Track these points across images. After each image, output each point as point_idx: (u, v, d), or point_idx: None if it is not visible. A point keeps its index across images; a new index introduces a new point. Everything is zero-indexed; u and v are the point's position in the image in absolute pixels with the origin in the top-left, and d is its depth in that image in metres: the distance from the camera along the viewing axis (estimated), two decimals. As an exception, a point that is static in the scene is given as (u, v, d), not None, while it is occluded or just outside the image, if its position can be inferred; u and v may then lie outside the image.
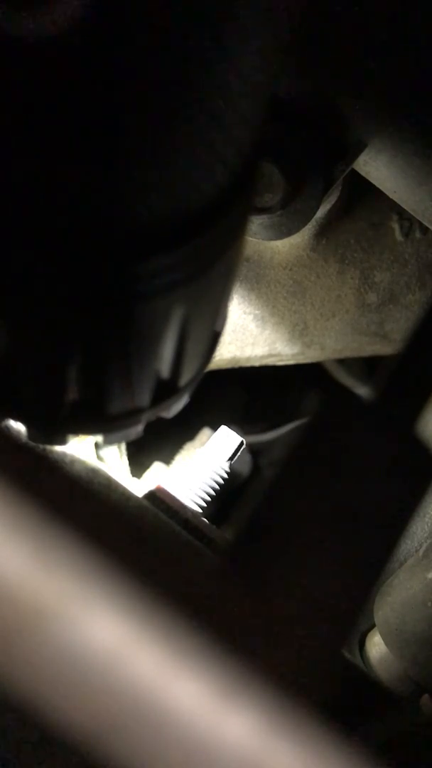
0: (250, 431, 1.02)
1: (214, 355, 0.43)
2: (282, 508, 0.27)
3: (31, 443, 0.40)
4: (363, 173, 0.60)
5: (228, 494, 0.79)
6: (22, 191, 0.26)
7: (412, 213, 0.61)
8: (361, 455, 0.28)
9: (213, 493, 0.75)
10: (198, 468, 0.75)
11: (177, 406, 0.42)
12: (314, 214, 0.59)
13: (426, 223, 0.61)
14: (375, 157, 0.58)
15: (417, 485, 0.28)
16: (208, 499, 0.74)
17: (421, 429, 0.30)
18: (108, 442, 0.42)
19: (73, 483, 0.23)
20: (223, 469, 0.75)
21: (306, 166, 0.57)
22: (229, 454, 0.75)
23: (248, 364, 0.83)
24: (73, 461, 0.65)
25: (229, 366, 0.83)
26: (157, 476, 0.87)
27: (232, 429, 0.76)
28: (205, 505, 0.74)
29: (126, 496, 0.64)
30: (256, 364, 0.83)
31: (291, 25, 0.29)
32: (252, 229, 0.61)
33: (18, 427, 0.40)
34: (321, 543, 0.26)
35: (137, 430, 0.41)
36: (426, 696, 0.68)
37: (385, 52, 0.52)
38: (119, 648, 0.21)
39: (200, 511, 0.73)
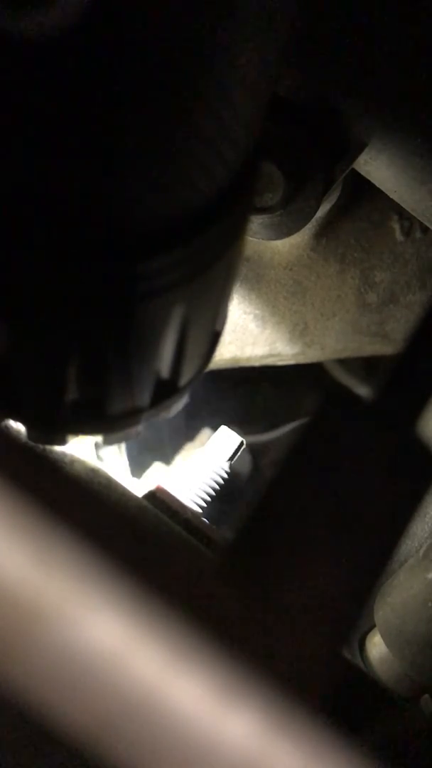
0: (250, 431, 1.02)
1: (214, 355, 0.43)
2: (282, 508, 0.27)
3: (31, 443, 0.40)
4: (363, 173, 0.60)
5: (228, 494, 0.79)
6: (22, 191, 0.26)
7: (412, 212, 0.61)
8: (361, 455, 0.28)
9: (213, 493, 0.75)
10: (198, 468, 0.75)
11: (177, 406, 0.42)
12: (314, 213, 0.59)
13: (426, 223, 0.61)
14: (375, 157, 0.58)
15: (417, 485, 0.28)
16: (208, 499, 0.74)
17: (421, 429, 0.30)
18: (108, 442, 0.42)
19: (73, 483, 0.23)
20: (223, 469, 0.75)
21: (306, 166, 0.57)
22: (229, 454, 0.75)
23: (248, 364, 0.83)
24: (73, 461, 0.65)
25: (229, 366, 0.83)
26: (157, 476, 0.87)
27: (232, 429, 0.76)
28: (205, 505, 0.74)
29: (126, 496, 0.64)
30: (256, 364, 0.83)
31: (291, 24, 0.29)
32: (252, 229, 0.61)
33: (18, 427, 0.40)
34: (321, 543, 0.26)
35: (137, 430, 0.41)
36: (426, 696, 0.68)
37: (386, 51, 0.52)
38: (119, 648, 0.21)
39: (200, 511, 0.73)
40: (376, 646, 0.71)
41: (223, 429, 0.76)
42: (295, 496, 0.27)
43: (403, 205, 0.60)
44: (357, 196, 0.75)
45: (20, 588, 0.21)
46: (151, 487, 0.67)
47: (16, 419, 0.38)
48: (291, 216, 0.60)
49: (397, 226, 0.77)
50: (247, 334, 0.80)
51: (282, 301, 0.79)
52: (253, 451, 1.05)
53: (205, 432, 1.02)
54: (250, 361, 0.83)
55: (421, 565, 0.67)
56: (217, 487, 0.75)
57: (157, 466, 0.90)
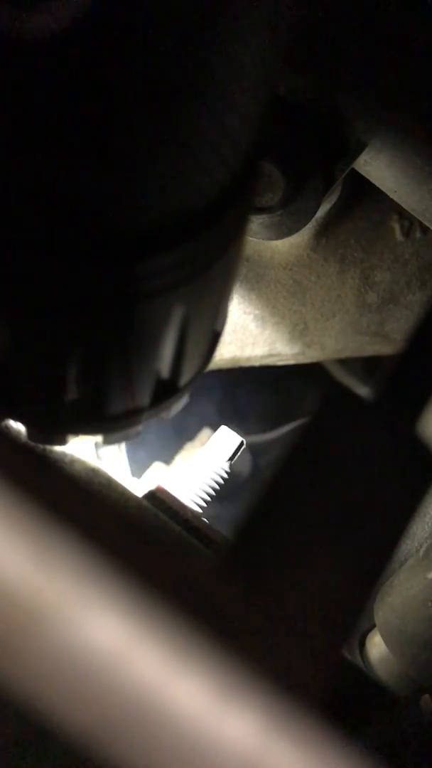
0: (250, 431, 1.02)
1: (214, 355, 0.43)
2: (282, 508, 0.27)
3: (31, 443, 0.40)
4: (363, 173, 0.60)
5: (228, 494, 0.79)
6: (22, 191, 0.26)
7: (412, 212, 0.61)
8: (361, 455, 0.28)
9: (213, 493, 0.75)
10: (198, 468, 0.75)
11: (177, 406, 0.42)
12: (314, 213, 0.59)
13: (426, 223, 0.61)
14: (375, 157, 0.58)
15: (417, 485, 0.28)
16: (208, 499, 0.74)
17: (421, 429, 0.30)
18: (108, 442, 0.42)
19: (73, 483, 0.23)
20: (223, 469, 0.75)
21: (306, 166, 0.57)
22: (229, 454, 0.75)
23: (248, 364, 0.83)
24: (73, 461, 0.65)
25: (229, 366, 0.83)
26: (157, 476, 0.87)
27: (232, 429, 0.76)
28: (205, 505, 0.74)
29: (126, 496, 0.64)
30: (256, 364, 0.83)
31: (291, 24, 0.29)
32: (252, 229, 0.61)
33: (18, 427, 0.40)
34: (321, 543, 0.26)
35: (137, 430, 0.41)
36: (426, 696, 0.68)
37: (385, 51, 0.52)
38: (119, 648, 0.21)
39: (200, 511, 0.73)
40: (376, 646, 0.71)
41: (223, 429, 0.76)
42: (295, 496, 0.27)
43: (403, 205, 0.60)
44: (357, 196, 0.75)
45: (20, 588, 0.21)
46: (151, 487, 0.67)
47: (16, 419, 0.38)
48: (291, 216, 0.60)
49: (397, 226, 0.77)
50: (247, 334, 0.80)
51: (282, 301, 0.79)
52: (253, 451, 1.05)
53: (205, 432, 1.02)
54: (250, 361, 0.83)
55: (421, 565, 0.67)
56: (217, 487, 0.75)
57: (157, 466, 0.90)
